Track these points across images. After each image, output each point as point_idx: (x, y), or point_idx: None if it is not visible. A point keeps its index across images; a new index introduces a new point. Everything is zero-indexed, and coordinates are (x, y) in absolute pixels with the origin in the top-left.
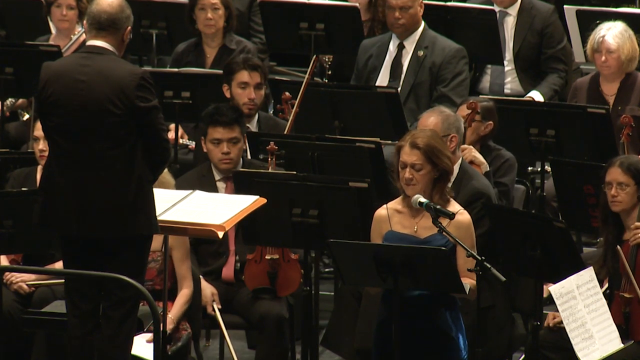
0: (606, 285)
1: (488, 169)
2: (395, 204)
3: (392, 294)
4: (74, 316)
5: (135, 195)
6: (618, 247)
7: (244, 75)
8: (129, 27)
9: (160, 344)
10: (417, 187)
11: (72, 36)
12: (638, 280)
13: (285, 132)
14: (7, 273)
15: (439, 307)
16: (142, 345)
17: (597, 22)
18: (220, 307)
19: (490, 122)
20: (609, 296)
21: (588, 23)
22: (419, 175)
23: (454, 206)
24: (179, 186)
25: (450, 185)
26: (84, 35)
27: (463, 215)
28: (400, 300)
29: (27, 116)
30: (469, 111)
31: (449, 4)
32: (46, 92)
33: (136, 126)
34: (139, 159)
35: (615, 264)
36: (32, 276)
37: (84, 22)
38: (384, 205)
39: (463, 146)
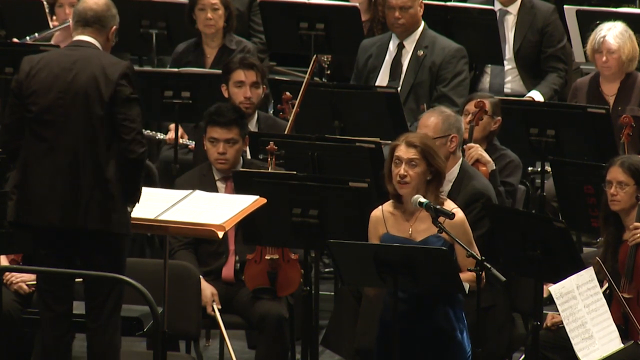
0: (606, 285)
1: (494, 167)
2: (389, 206)
3: (393, 294)
4: (47, 318)
5: (116, 191)
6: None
7: (239, 74)
8: (114, 27)
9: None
10: (410, 187)
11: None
12: (637, 280)
13: (286, 132)
14: (7, 273)
15: (441, 306)
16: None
17: (597, 22)
18: (220, 307)
19: (499, 117)
20: (608, 296)
21: (588, 23)
22: (414, 172)
23: (449, 205)
24: (179, 186)
25: (450, 185)
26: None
27: (456, 215)
28: (402, 300)
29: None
30: (477, 109)
31: (449, 4)
32: (28, 82)
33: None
34: (118, 154)
35: (615, 264)
36: (32, 276)
37: (70, 19)
38: (379, 207)
39: (469, 145)
